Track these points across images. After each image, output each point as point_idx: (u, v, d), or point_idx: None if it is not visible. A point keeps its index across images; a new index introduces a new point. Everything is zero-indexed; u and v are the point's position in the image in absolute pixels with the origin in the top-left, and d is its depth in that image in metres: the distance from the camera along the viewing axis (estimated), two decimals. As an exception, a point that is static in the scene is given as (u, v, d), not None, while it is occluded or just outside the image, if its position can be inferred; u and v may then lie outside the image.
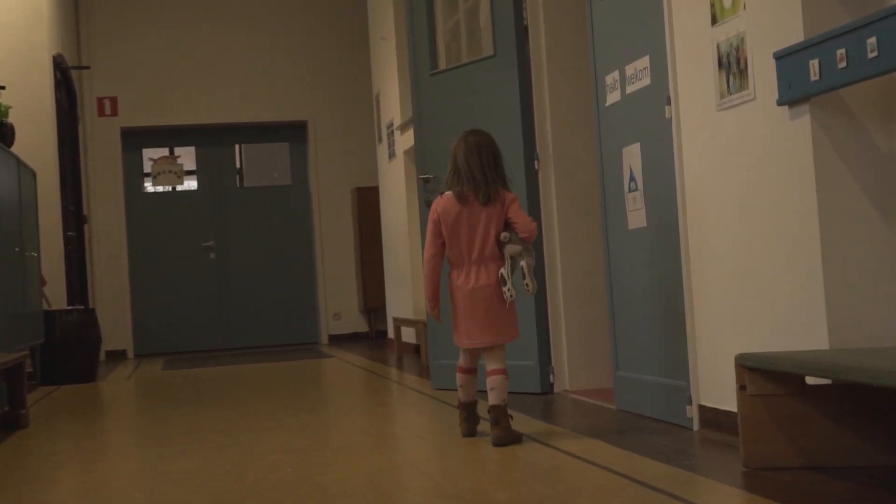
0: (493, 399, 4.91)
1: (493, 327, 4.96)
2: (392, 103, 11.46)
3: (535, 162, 6.93)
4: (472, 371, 5.11)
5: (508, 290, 4.90)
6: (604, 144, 5.88)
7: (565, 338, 6.89)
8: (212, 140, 14.30)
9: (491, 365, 4.98)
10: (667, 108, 5.05)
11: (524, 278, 4.88)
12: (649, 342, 5.42)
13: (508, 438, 4.81)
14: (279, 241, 14.33)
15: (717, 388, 4.79)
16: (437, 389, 7.45)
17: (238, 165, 14.58)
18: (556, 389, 6.89)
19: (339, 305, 14.26)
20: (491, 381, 4.93)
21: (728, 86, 4.53)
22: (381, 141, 12.38)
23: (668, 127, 5.06)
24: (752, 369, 3.95)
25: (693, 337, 4.96)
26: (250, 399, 7.80)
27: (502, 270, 4.90)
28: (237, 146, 14.56)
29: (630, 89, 5.48)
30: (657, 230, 5.26)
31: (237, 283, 14.18)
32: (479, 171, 4.94)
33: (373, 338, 14.16)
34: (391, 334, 12.09)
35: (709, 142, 4.74)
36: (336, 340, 14.17)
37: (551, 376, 6.88)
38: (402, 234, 11.30)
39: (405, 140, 10.85)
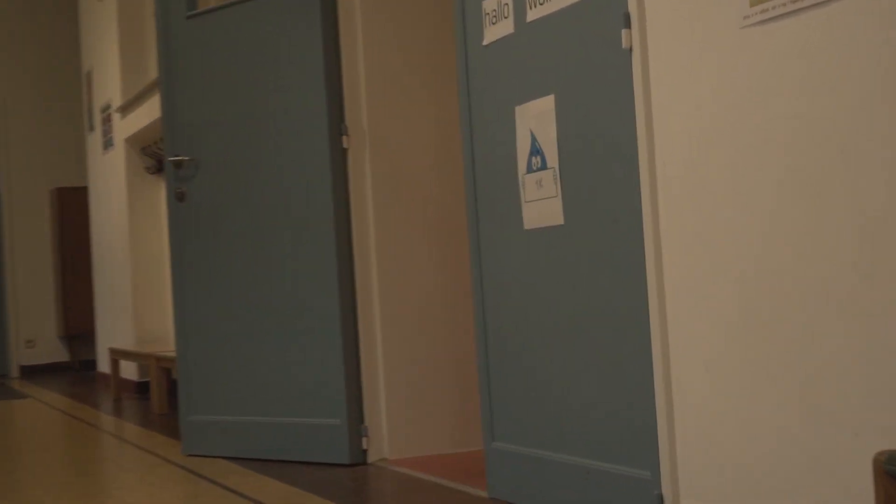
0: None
1: None
2: (110, 80, 9.18)
3: (343, 138, 4.92)
4: None
5: None
6: (475, 103, 3.94)
7: (384, 385, 4.90)
8: None
9: None
10: (624, 32, 3.15)
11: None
12: (569, 400, 3.51)
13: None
14: (-42, 253, 11.72)
15: (716, 485, 2.92)
16: (190, 456, 5.34)
17: None
18: (370, 458, 4.88)
19: (32, 331, 11.79)
20: None
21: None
22: (92, 129, 10.02)
23: (625, 64, 3.16)
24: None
25: (669, 398, 3.07)
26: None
27: None
28: None
29: (536, 13, 3.56)
30: (590, 230, 3.36)
31: None
32: None
33: (76, 370, 11.73)
34: (103, 367, 9.75)
35: (722, 81, 2.86)
36: (29, 373, 11.72)
37: (364, 440, 4.87)
38: (121, 245, 9.04)
39: (128, 124, 8.62)
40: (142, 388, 8.71)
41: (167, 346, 7.99)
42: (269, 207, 5.12)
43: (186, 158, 5.37)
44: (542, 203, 3.57)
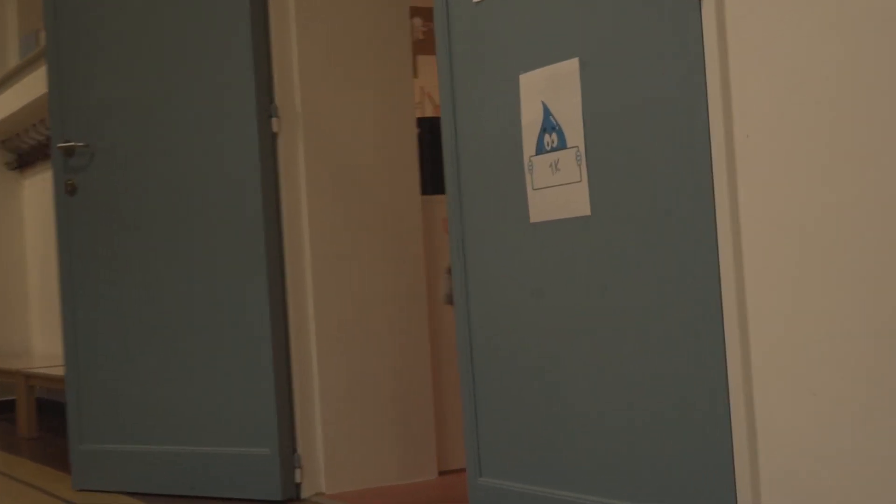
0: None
1: None
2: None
3: (273, 121, 4.23)
4: None
5: None
6: (460, 73, 3.30)
7: (320, 408, 4.22)
8: None
9: None
10: (691, -24, 2.56)
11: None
12: (596, 433, 2.90)
13: None
14: None
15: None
16: (82, 491, 4.60)
17: None
18: (304, 493, 4.20)
19: None
20: None
21: None
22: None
23: (690, 13, 2.56)
24: None
25: (752, 433, 2.48)
26: None
27: None
28: None
29: (553, -39, 2.94)
30: (630, 222, 2.75)
31: None
32: None
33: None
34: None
35: (835, 26, 2.28)
36: None
37: (297, 472, 4.18)
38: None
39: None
40: (8, 408, 7.82)
41: (31, 362, 7.13)
42: (182, 203, 4.38)
43: (79, 145, 4.60)
44: (557, 190, 2.95)
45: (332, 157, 4.29)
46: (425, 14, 5.93)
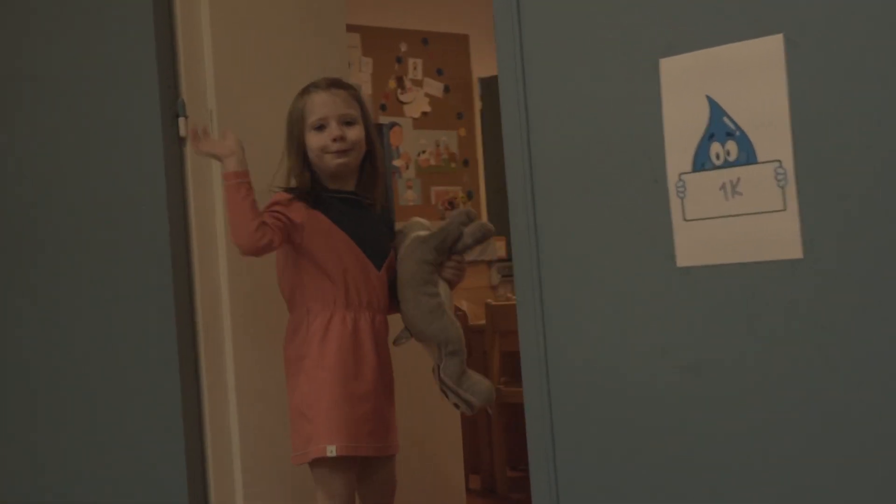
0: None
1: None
2: None
3: (180, 122, 3.18)
4: None
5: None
6: (537, 57, 2.39)
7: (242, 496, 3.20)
8: None
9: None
10: None
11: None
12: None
13: None
14: None
15: None
16: None
17: None
18: None
19: None
20: None
21: None
22: None
23: None
24: None
25: None
26: None
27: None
28: None
29: None
30: (880, 271, 1.91)
31: None
32: None
33: None
34: None
35: None
36: None
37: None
38: None
39: None
40: None
41: None
42: (60, 224, 3.26)
43: None
44: (736, 222, 2.08)
45: (254, 166, 3.27)
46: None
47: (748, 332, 2.08)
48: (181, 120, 3.17)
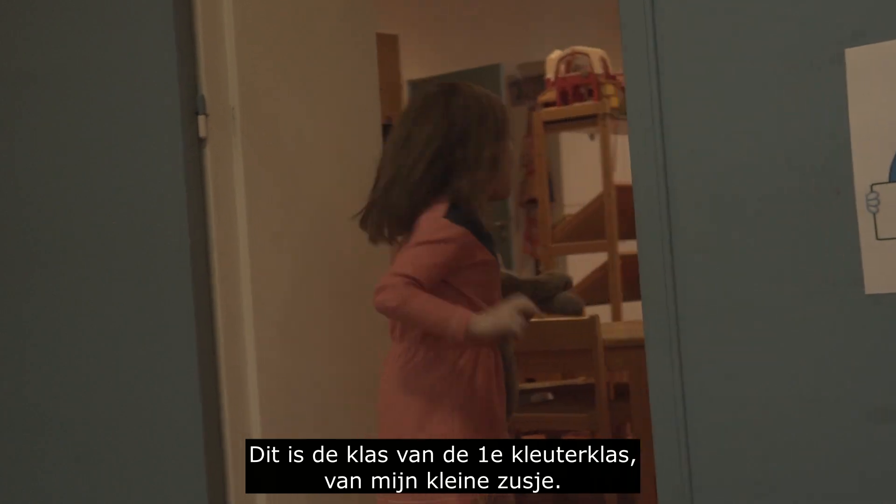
0: None
1: None
2: None
3: (200, 120, 2.84)
4: None
5: None
6: (673, 58, 2.15)
7: None
8: None
9: None
10: None
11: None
12: None
13: None
14: None
15: None
16: None
17: None
18: None
19: None
20: None
21: None
22: None
23: None
24: None
25: None
26: None
27: None
28: None
29: None
30: None
31: None
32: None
33: None
34: None
35: None
36: None
37: None
38: None
39: None
40: None
41: None
42: (74, 228, 2.90)
43: None
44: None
45: (282, 170, 2.96)
46: None
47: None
48: (201, 118, 2.83)
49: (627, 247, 5.30)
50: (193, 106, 2.83)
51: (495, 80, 6.52)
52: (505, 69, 6.80)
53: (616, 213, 4.76)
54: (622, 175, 5.21)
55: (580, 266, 5.10)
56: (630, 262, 4.91)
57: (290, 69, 2.97)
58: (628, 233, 5.27)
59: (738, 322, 2.09)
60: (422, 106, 2.42)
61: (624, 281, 4.78)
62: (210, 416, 2.79)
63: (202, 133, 2.84)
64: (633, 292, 4.97)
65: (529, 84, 7.06)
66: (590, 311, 3.45)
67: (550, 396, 4.05)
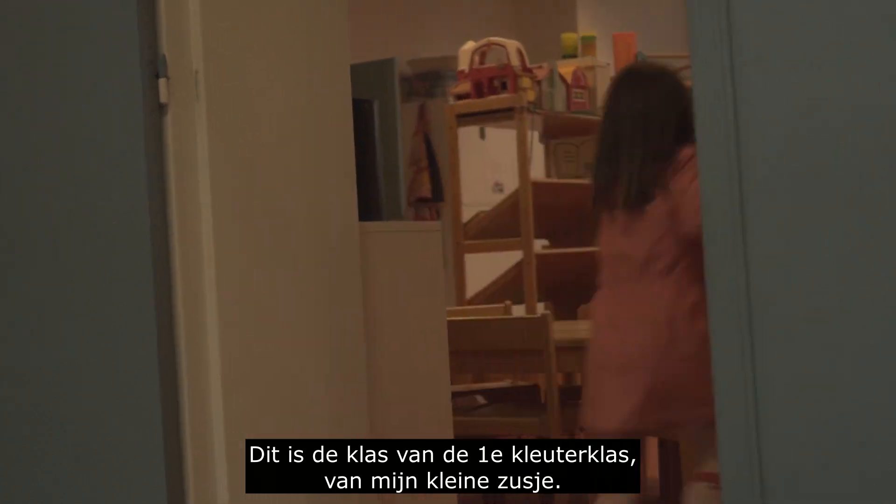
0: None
1: None
2: None
3: (160, 83, 2.53)
4: None
5: None
6: (748, 23, 1.96)
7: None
8: None
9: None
10: None
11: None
12: None
13: None
14: None
15: None
16: None
17: None
18: None
19: None
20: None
21: None
22: None
23: None
24: None
25: None
26: None
27: None
28: None
29: None
30: None
31: None
32: None
33: None
34: None
35: None
36: None
37: None
38: None
39: None
40: None
41: None
42: (23, 202, 2.55)
43: None
44: None
45: (250, 142, 2.67)
46: None
47: None
48: (162, 81, 2.52)
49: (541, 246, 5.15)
50: (154, 68, 2.52)
51: (389, 75, 6.29)
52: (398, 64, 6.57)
53: (532, 210, 4.58)
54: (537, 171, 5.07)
55: (493, 265, 4.89)
56: (545, 261, 4.77)
57: (259, 33, 2.69)
58: (544, 231, 5.12)
59: (814, 332, 1.90)
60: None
61: (539, 280, 4.61)
62: (168, 401, 2.49)
63: (163, 98, 2.52)
64: (547, 293, 4.84)
65: (419, 81, 6.84)
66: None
67: (482, 400, 3.84)
